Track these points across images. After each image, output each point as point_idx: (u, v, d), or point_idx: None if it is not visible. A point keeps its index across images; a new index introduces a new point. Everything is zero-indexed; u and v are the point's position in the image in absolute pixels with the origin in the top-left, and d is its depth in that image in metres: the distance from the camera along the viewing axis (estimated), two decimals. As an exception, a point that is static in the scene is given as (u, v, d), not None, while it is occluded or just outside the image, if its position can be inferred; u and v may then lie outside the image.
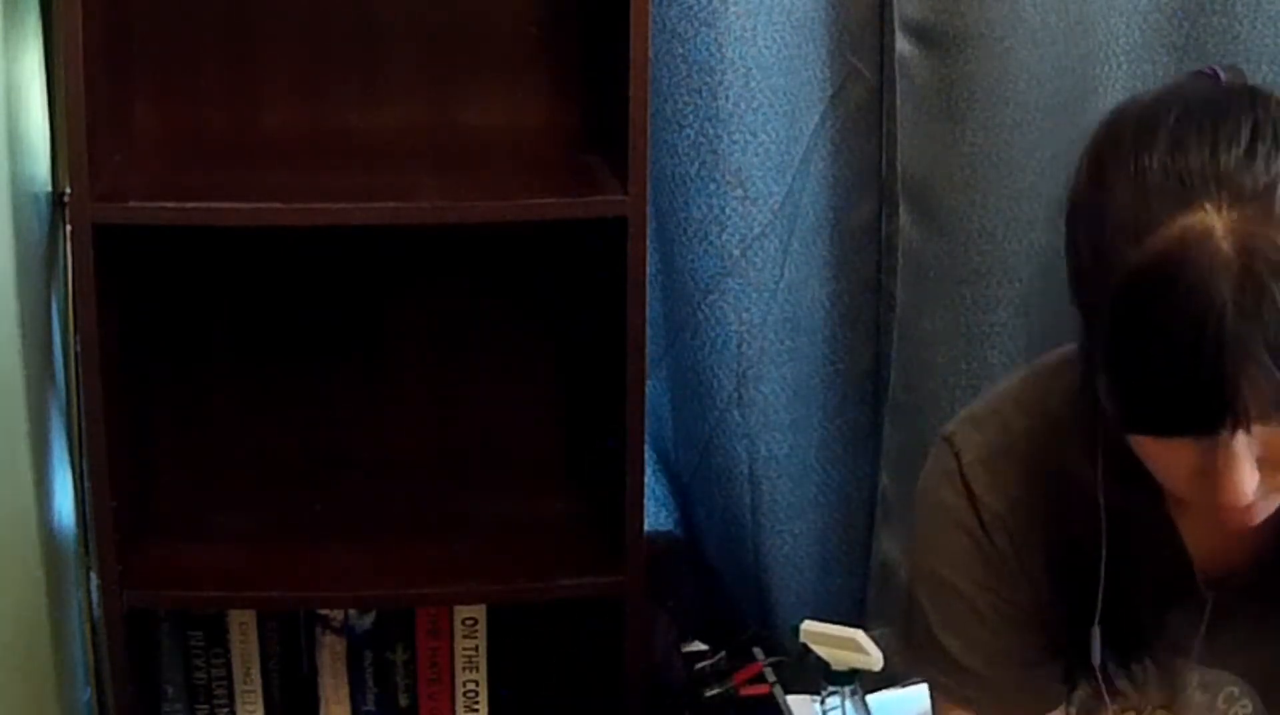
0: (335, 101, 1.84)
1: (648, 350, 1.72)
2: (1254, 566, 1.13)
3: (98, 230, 1.57)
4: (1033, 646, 1.19)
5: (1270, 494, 1.03)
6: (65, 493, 1.82)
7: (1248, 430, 0.97)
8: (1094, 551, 1.12)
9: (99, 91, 1.59)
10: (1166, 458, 1.03)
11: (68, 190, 1.63)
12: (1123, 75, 1.87)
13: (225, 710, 1.87)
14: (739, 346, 1.88)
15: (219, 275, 1.88)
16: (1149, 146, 0.99)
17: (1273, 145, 0.98)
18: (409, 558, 1.77)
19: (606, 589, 1.73)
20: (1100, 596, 1.14)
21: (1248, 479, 0.99)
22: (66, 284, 1.74)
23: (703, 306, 1.87)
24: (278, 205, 1.61)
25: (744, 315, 1.87)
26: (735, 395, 1.90)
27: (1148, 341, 0.97)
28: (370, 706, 1.89)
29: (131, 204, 1.60)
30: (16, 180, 1.64)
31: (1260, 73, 1.83)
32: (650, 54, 1.63)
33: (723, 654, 1.95)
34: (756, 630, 1.99)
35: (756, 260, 1.86)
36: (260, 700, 1.87)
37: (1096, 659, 1.16)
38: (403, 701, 1.89)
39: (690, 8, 1.76)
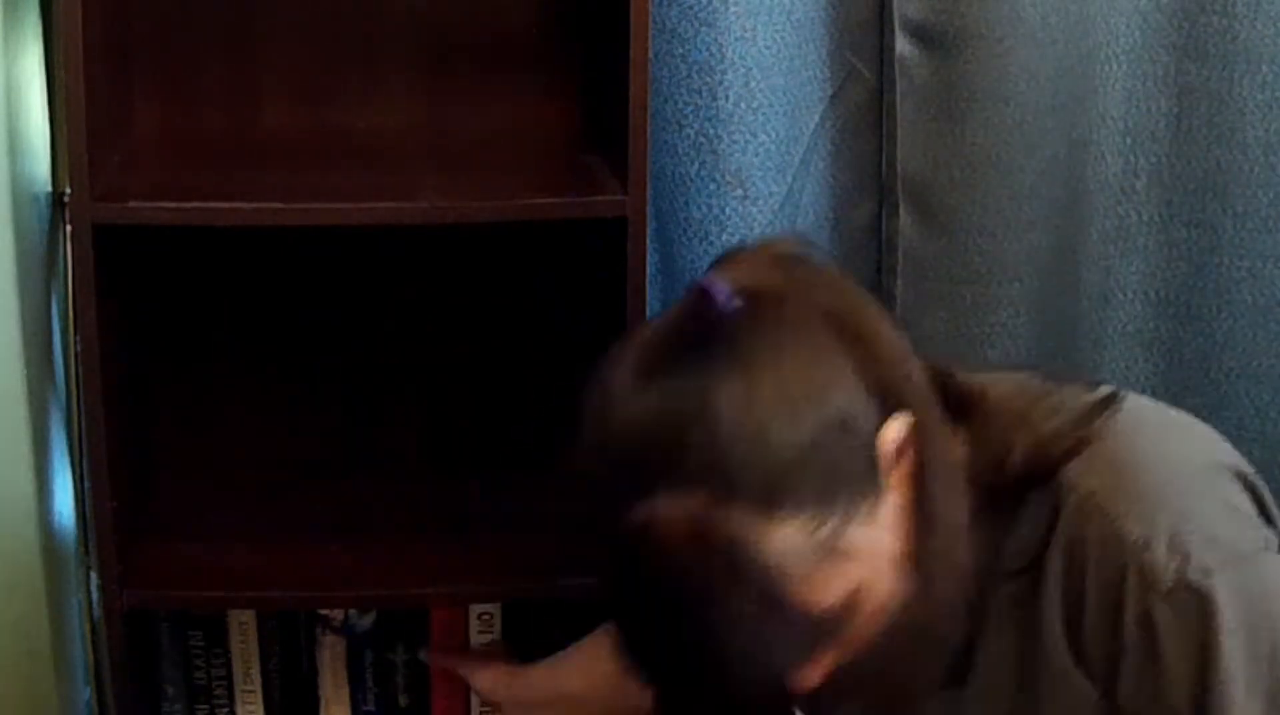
0: (335, 101, 1.84)
1: (647, 350, 1.71)
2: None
3: (98, 230, 1.57)
4: None
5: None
6: (65, 493, 1.82)
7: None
8: None
9: (99, 91, 1.59)
10: None
11: (68, 190, 1.63)
12: (1123, 75, 1.87)
13: (225, 710, 1.87)
14: (739, 347, 1.88)
15: (219, 275, 1.88)
16: (602, 424, 1.08)
17: (711, 420, 1.01)
18: (409, 558, 1.77)
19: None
20: None
21: (806, 682, 1.05)
22: (66, 284, 1.74)
23: (702, 307, 1.87)
24: (278, 205, 1.61)
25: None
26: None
27: (629, 625, 1.08)
28: (370, 707, 1.89)
29: (131, 204, 1.60)
30: (16, 180, 1.64)
31: (1261, 72, 1.83)
32: (650, 54, 1.63)
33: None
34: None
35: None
36: (260, 700, 1.87)
37: None
38: (403, 702, 1.89)
39: (690, 8, 1.76)
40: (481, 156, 1.83)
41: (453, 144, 1.85)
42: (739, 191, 1.83)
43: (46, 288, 1.76)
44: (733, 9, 1.77)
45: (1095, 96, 1.87)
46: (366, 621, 1.86)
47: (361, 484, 1.91)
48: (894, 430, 1.07)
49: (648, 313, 1.70)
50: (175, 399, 1.91)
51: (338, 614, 1.86)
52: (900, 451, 1.07)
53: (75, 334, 1.66)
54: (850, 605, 1.04)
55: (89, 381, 1.61)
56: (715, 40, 1.77)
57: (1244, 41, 1.83)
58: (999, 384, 1.18)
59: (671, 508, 1.00)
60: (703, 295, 1.06)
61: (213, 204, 1.61)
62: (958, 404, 1.15)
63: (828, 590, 1.02)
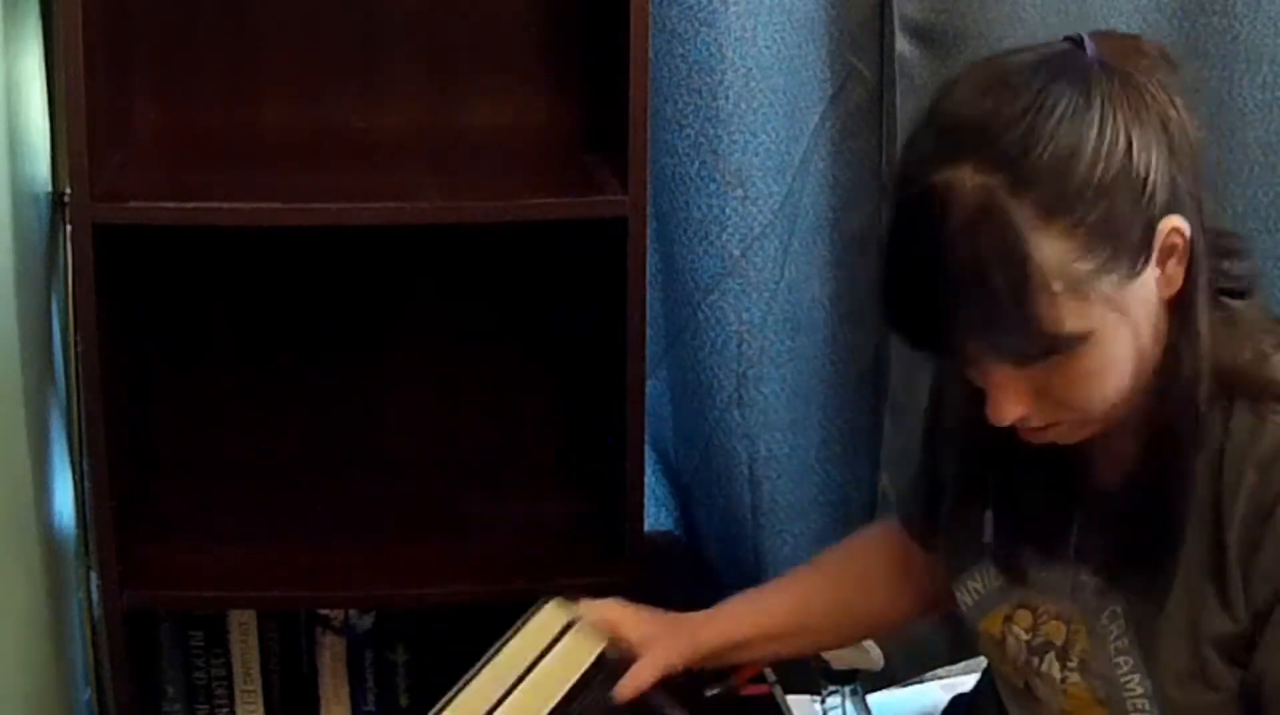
0: (335, 101, 1.84)
1: (648, 350, 1.72)
2: (1124, 480, 1.23)
3: (98, 230, 1.57)
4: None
5: (1062, 421, 1.17)
6: (65, 493, 1.82)
7: (973, 365, 1.13)
8: (989, 448, 1.26)
9: (99, 91, 1.59)
10: (959, 373, 1.18)
11: (68, 190, 1.63)
12: (1123, 75, 1.87)
13: (225, 710, 1.87)
14: (739, 346, 1.88)
15: (219, 275, 1.88)
16: (948, 93, 1.14)
17: (1048, 115, 1.09)
18: (409, 558, 1.77)
19: (606, 589, 1.72)
20: (992, 487, 1.29)
21: (1005, 406, 1.15)
22: (67, 284, 1.74)
23: (703, 306, 1.87)
24: (278, 205, 1.61)
25: (744, 315, 1.87)
26: (735, 395, 1.90)
27: (886, 266, 1.13)
28: (370, 707, 1.89)
29: (131, 204, 1.60)
30: (17, 180, 1.64)
31: (1260, 72, 1.83)
32: (650, 54, 1.63)
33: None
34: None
35: (757, 260, 1.86)
36: (260, 700, 1.87)
37: (988, 536, 1.30)
38: (404, 701, 1.89)
39: (690, 8, 1.76)
40: (482, 156, 1.83)
41: (453, 144, 1.85)
42: (739, 191, 1.83)
43: (47, 287, 1.76)
44: (733, 9, 1.77)
45: (1095, 96, 1.87)
46: (366, 622, 1.86)
47: (361, 484, 1.92)
48: (1176, 222, 1.12)
49: (648, 312, 1.70)
50: (175, 399, 1.91)
51: (338, 614, 1.86)
52: (1173, 244, 1.13)
53: (75, 334, 1.66)
54: (1076, 341, 1.11)
55: (89, 381, 1.61)
56: (715, 40, 1.77)
57: (1244, 42, 1.83)
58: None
59: (973, 177, 1.08)
60: (1076, 44, 1.16)
61: (213, 204, 1.61)
62: (1225, 278, 1.21)
63: (1063, 317, 1.09)
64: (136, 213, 1.60)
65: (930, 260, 1.09)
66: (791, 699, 1.85)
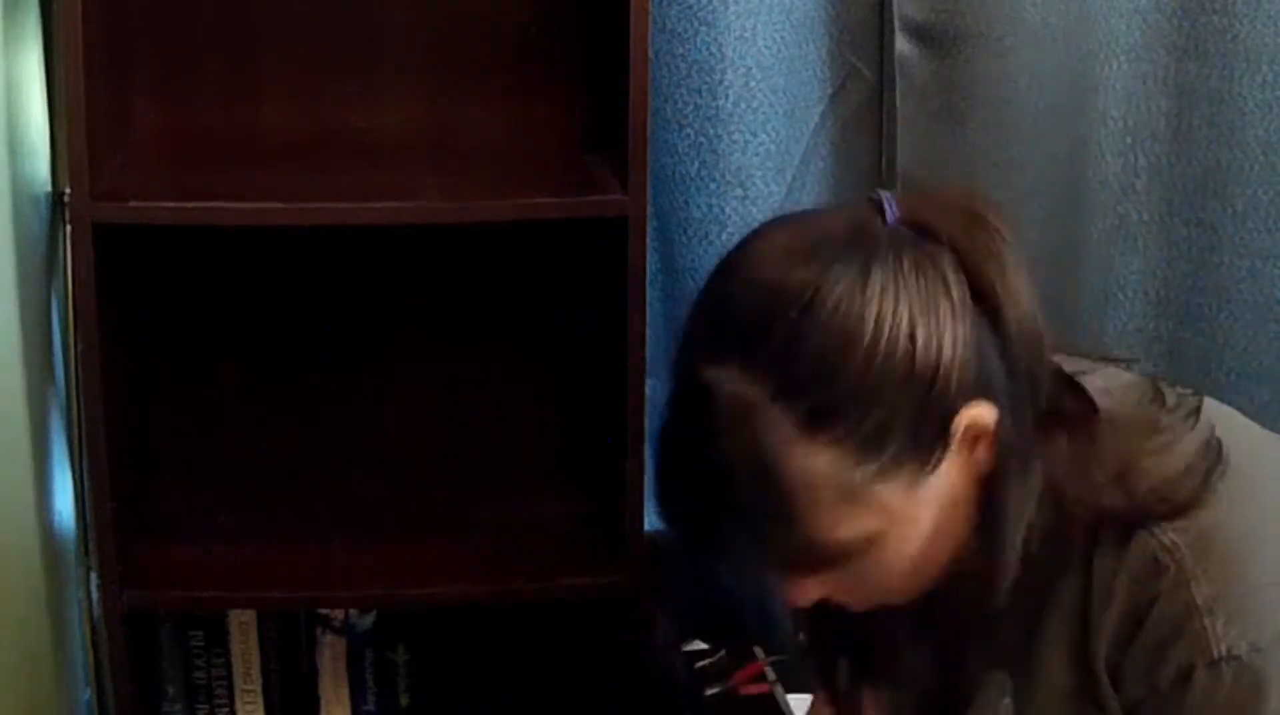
0: (335, 101, 1.84)
1: (648, 350, 1.72)
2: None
3: (98, 230, 1.57)
4: None
5: (858, 600, 1.10)
6: (65, 493, 1.82)
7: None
8: None
9: (99, 91, 1.59)
10: None
11: (68, 190, 1.62)
12: (1123, 75, 1.87)
13: (225, 710, 1.87)
14: (739, 347, 1.88)
15: (219, 275, 1.88)
16: (724, 276, 1.05)
17: (819, 312, 1.00)
18: (409, 558, 1.77)
19: (606, 589, 1.73)
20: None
21: (795, 595, 1.08)
22: (67, 284, 1.74)
23: (703, 306, 1.87)
24: (278, 205, 1.61)
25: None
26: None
27: (659, 457, 1.06)
28: (371, 707, 1.89)
29: (131, 204, 1.60)
30: (17, 180, 1.64)
31: (1260, 72, 1.84)
32: (650, 53, 1.63)
33: (723, 653, 1.94)
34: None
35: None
36: (260, 700, 1.87)
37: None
38: (404, 701, 1.89)
39: (690, 7, 1.76)
40: (482, 156, 1.83)
41: (453, 144, 1.85)
42: (739, 190, 1.83)
43: (47, 287, 1.76)
44: (732, 9, 1.77)
45: (1095, 96, 1.87)
46: (366, 621, 1.86)
47: (362, 484, 1.91)
48: (980, 414, 1.03)
49: (648, 312, 1.70)
50: (175, 399, 1.91)
51: (338, 614, 1.86)
52: (976, 439, 1.04)
53: (75, 334, 1.66)
54: (856, 549, 1.03)
55: (89, 381, 1.61)
56: (715, 40, 1.77)
57: (1244, 41, 1.83)
58: (1111, 393, 1.14)
59: (734, 383, 1.00)
60: (873, 205, 1.05)
61: (213, 204, 1.61)
62: (1069, 413, 1.11)
63: (837, 527, 1.02)
64: (136, 212, 1.60)
65: (690, 461, 1.02)
66: (792, 698, 1.85)
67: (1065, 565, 1.10)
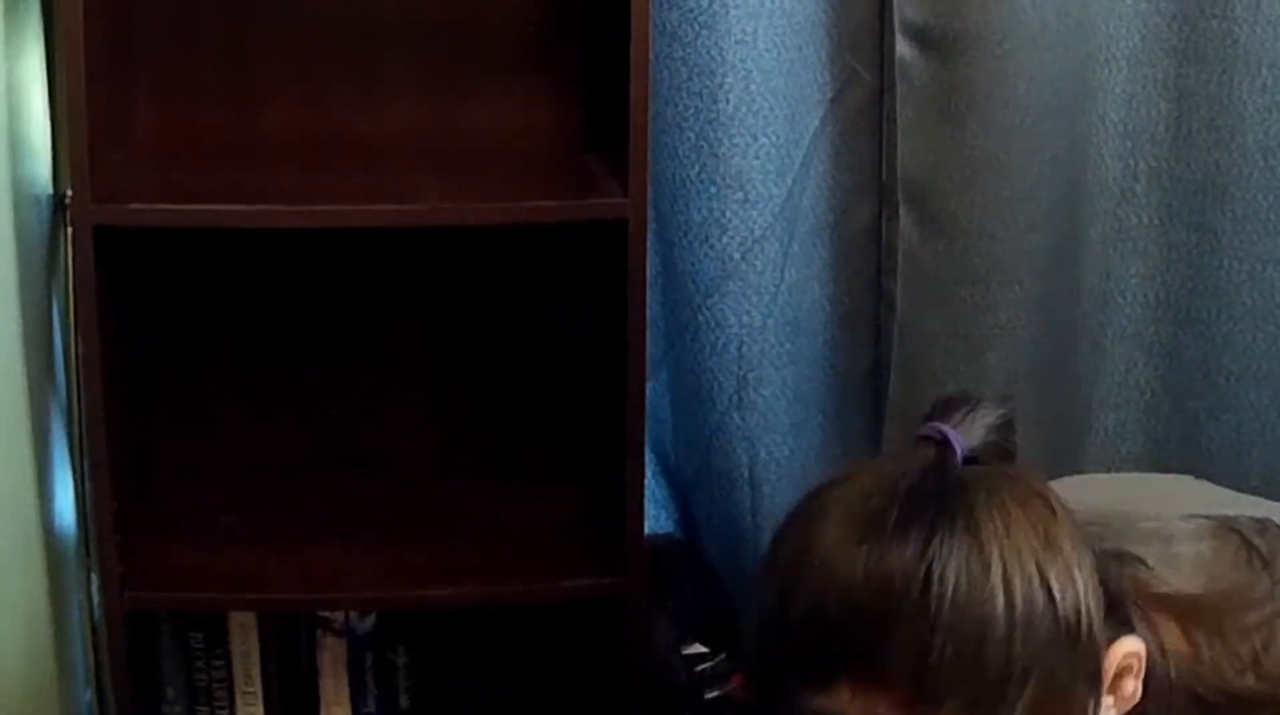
0: (336, 103, 1.84)
1: (648, 352, 1.72)
2: None
3: (99, 232, 1.57)
4: None
5: None
6: (65, 494, 1.82)
7: None
8: None
9: (99, 93, 1.59)
10: None
11: (68, 192, 1.63)
12: (1122, 79, 1.87)
13: (225, 712, 1.87)
14: (739, 349, 1.88)
15: (219, 276, 1.88)
16: (791, 587, 0.88)
17: (939, 623, 0.84)
18: (409, 558, 1.77)
19: (606, 590, 1.73)
20: None
21: None
22: (67, 285, 1.74)
23: (703, 309, 1.87)
24: (278, 207, 1.61)
25: (744, 318, 1.87)
26: (735, 398, 1.90)
27: None
28: (371, 708, 1.89)
29: (132, 206, 1.60)
30: (17, 182, 1.64)
31: (1260, 76, 1.84)
32: (650, 56, 1.63)
33: (723, 656, 1.95)
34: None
35: (757, 263, 1.86)
36: (260, 702, 1.87)
37: None
38: (404, 703, 1.89)
39: (690, 10, 1.76)
40: (482, 159, 1.83)
41: (453, 146, 1.85)
42: (739, 194, 1.83)
43: (47, 289, 1.76)
44: (733, 12, 1.77)
45: (1095, 99, 1.87)
46: (367, 623, 1.86)
47: (361, 484, 1.92)
48: (1129, 645, 0.92)
49: (648, 314, 1.70)
50: (175, 399, 1.91)
51: (338, 615, 1.86)
52: (1128, 666, 0.92)
53: (76, 335, 1.66)
54: None
55: (89, 382, 1.61)
56: (715, 43, 1.77)
57: (1243, 45, 1.83)
58: (1203, 560, 1.04)
59: (864, 703, 0.84)
60: (939, 445, 0.90)
61: (213, 206, 1.62)
62: (1171, 596, 1.01)
63: None
64: (137, 215, 1.60)
65: None
66: (791, 701, 1.85)
67: None
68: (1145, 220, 1.93)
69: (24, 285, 1.64)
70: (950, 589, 0.83)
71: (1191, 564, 1.02)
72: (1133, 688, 0.93)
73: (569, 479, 1.93)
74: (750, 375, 1.90)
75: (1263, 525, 1.07)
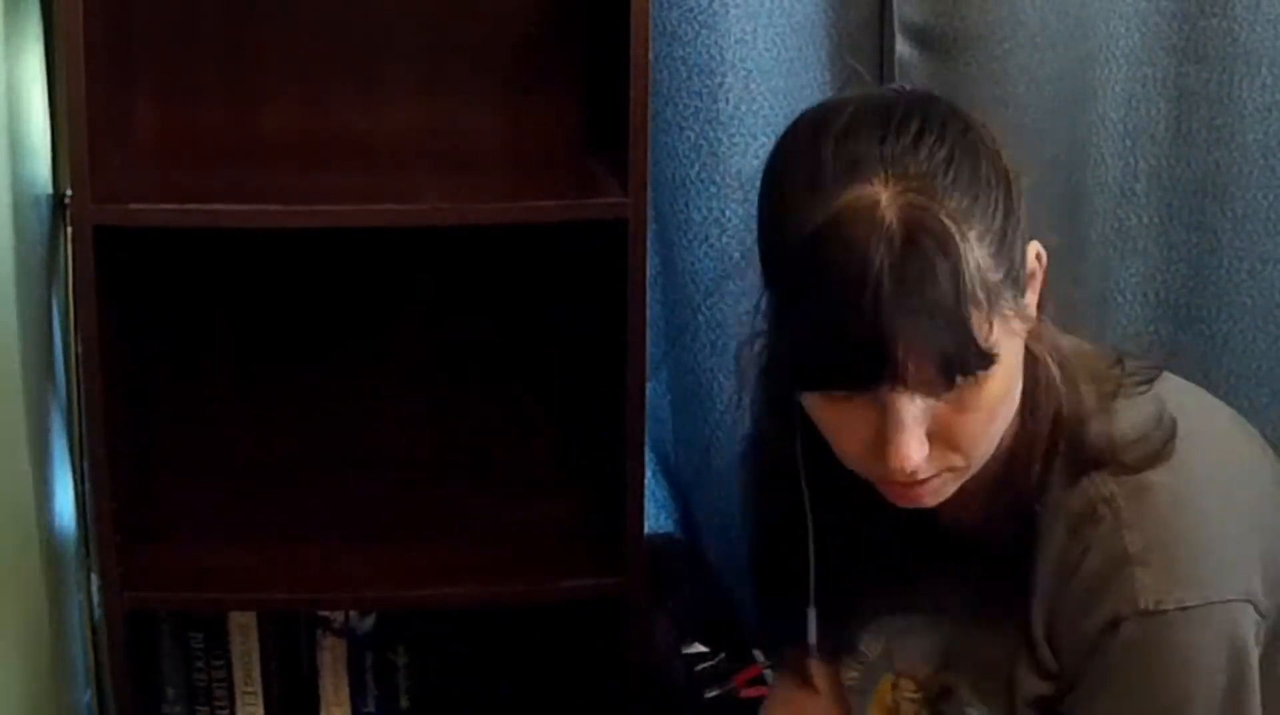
0: (335, 103, 1.84)
1: (648, 352, 1.72)
2: (975, 529, 1.20)
3: (98, 232, 1.57)
4: None
5: (944, 472, 1.12)
6: (65, 494, 1.82)
7: (909, 392, 1.06)
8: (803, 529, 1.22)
9: (99, 93, 1.59)
10: (839, 424, 1.12)
11: (68, 192, 1.63)
12: (1122, 78, 1.87)
13: (225, 712, 1.87)
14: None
15: (219, 276, 1.88)
16: (824, 133, 1.10)
17: (936, 138, 1.08)
18: (409, 559, 1.77)
19: (607, 590, 1.73)
20: (812, 575, 1.24)
21: (914, 446, 1.08)
22: (67, 285, 1.74)
23: (703, 309, 1.87)
24: (278, 207, 1.61)
25: (744, 318, 1.87)
26: (736, 397, 1.90)
27: (813, 298, 1.06)
28: (371, 708, 1.89)
29: (132, 206, 1.60)
30: (17, 182, 1.64)
31: (1260, 75, 1.83)
32: (650, 56, 1.63)
33: (723, 655, 1.95)
34: (757, 632, 1.99)
35: (757, 263, 1.86)
36: (260, 702, 1.87)
37: (813, 638, 1.27)
38: (404, 703, 1.89)
39: (690, 10, 1.76)
40: (482, 159, 1.83)
41: (453, 146, 1.85)
42: (739, 194, 1.83)
43: (47, 289, 1.76)
44: (733, 12, 1.77)
45: (1095, 99, 1.87)
46: (367, 623, 1.86)
47: (361, 484, 1.92)
48: (1038, 246, 1.14)
49: (648, 314, 1.70)
50: (175, 399, 1.91)
51: (338, 615, 1.86)
52: (1033, 270, 1.13)
53: (76, 335, 1.66)
54: (993, 360, 1.07)
55: (89, 382, 1.61)
56: (715, 43, 1.77)
57: (1243, 44, 1.83)
58: (1080, 347, 1.23)
59: (890, 191, 1.05)
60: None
61: (213, 206, 1.62)
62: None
63: (985, 330, 1.06)
64: (137, 215, 1.60)
65: (869, 278, 1.03)
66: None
67: (1024, 496, 1.15)
68: (1145, 220, 1.93)
69: (24, 285, 1.64)
70: (945, 125, 1.10)
71: (1071, 344, 1.21)
72: (1033, 301, 1.12)
73: (569, 479, 1.93)
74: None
75: (1145, 363, 1.24)
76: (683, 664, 1.93)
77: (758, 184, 1.82)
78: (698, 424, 1.94)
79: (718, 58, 1.78)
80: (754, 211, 1.83)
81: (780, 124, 1.86)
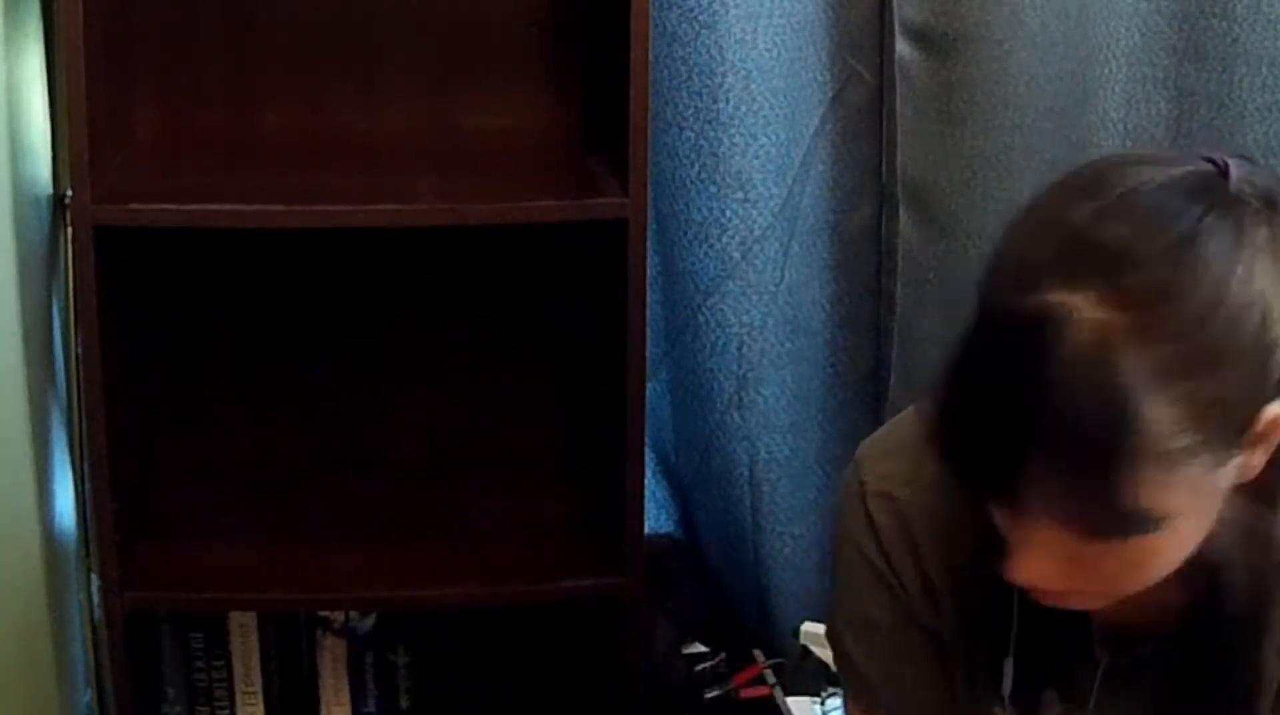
0: (335, 103, 1.84)
1: (648, 352, 1.72)
2: (1155, 638, 1.09)
3: (99, 232, 1.57)
4: (943, 678, 1.16)
5: (1082, 588, 1.00)
6: (66, 494, 1.82)
7: (1032, 515, 0.95)
8: (1006, 591, 1.07)
9: (99, 93, 1.59)
10: (996, 517, 1.00)
11: (69, 192, 1.63)
12: (1122, 78, 1.87)
13: (225, 712, 1.87)
14: (739, 349, 1.88)
15: (219, 276, 1.88)
16: (1081, 200, 0.95)
17: (1196, 262, 0.92)
18: (409, 559, 1.77)
19: (607, 590, 1.73)
20: (1014, 632, 1.10)
21: (1034, 568, 0.97)
22: (68, 286, 1.74)
23: (703, 309, 1.87)
24: (278, 207, 1.61)
25: (744, 317, 1.87)
26: (735, 397, 1.90)
27: (975, 382, 0.94)
28: (371, 709, 1.89)
29: (132, 206, 1.60)
30: (18, 183, 1.64)
31: (1260, 75, 1.83)
32: (650, 56, 1.63)
33: (723, 656, 1.95)
34: (756, 632, 1.99)
35: (757, 263, 1.86)
36: (260, 702, 1.87)
37: (1007, 688, 1.12)
38: (404, 703, 1.89)
39: (690, 10, 1.76)
40: (482, 159, 1.83)
41: (453, 146, 1.85)
42: (739, 194, 1.83)
43: (47, 289, 1.76)
44: (733, 12, 1.77)
45: (1095, 99, 1.87)
46: (367, 623, 1.86)
47: (361, 485, 1.92)
48: (1278, 410, 0.96)
49: (648, 314, 1.70)
50: (175, 399, 1.91)
51: (338, 616, 1.86)
52: (1266, 433, 0.96)
53: (76, 335, 1.67)
54: (1150, 525, 0.94)
55: (89, 382, 1.61)
56: (715, 43, 1.77)
57: (1243, 44, 1.83)
58: None
59: (1095, 310, 0.90)
60: (1216, 167, 0.97)
61: (213, 206, 1.62)
62: None
63: (1143, 493, 0.92)
64: (137, 214, 1.60)
65: (1021, 393, 0.91)
66: (791, 701, 1.85)
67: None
68: (1145, 220, 1.92)
69: (24, 285, 1.64)
70: (1209, 257, 0.92)
71: None
72: (1260, 458, 0.97)
73: (569, 479, 1.93)
74: (750, 375, 1.90)
75: None
76: (683, 664, 1.93)
77: (758, 184, 1.84)
78: (697, 424, 1.94)
79: (718, 58, 1.78)
80: (754, 211, 1.85)
81: (780, 124, 1.88)
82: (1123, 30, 1.86)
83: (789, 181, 1.86)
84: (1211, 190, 0.95)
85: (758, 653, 1.95)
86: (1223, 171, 0.97)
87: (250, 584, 1.73)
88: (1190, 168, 0.97)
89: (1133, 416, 0.89)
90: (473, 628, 1.93)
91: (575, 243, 1.80)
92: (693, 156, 1.82)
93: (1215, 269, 0.91)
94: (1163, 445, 0.90)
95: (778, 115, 1.82)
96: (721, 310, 1.87)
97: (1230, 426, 0.94)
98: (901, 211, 1.88)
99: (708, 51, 1.78)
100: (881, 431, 1.20)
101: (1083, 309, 0.90)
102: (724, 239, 1.84)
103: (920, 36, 1.82)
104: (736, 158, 1.82)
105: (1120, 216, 0.93)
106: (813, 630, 1.81)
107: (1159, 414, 0.90)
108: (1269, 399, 0.94)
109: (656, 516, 2.01)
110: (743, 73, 1.79)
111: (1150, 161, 0.99)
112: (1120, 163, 0.99)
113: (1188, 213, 0.93)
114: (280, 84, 1.83)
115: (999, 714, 1.14)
